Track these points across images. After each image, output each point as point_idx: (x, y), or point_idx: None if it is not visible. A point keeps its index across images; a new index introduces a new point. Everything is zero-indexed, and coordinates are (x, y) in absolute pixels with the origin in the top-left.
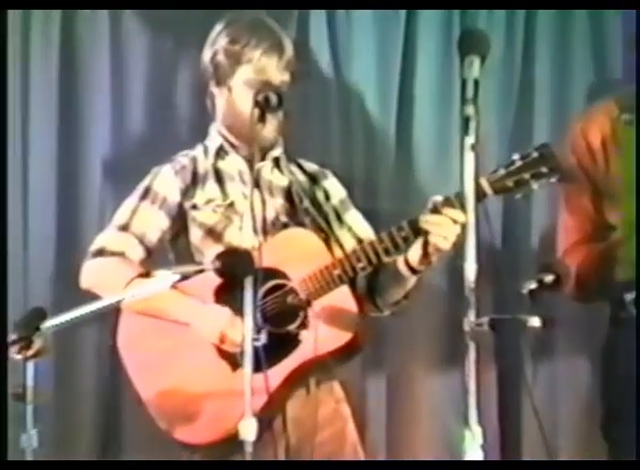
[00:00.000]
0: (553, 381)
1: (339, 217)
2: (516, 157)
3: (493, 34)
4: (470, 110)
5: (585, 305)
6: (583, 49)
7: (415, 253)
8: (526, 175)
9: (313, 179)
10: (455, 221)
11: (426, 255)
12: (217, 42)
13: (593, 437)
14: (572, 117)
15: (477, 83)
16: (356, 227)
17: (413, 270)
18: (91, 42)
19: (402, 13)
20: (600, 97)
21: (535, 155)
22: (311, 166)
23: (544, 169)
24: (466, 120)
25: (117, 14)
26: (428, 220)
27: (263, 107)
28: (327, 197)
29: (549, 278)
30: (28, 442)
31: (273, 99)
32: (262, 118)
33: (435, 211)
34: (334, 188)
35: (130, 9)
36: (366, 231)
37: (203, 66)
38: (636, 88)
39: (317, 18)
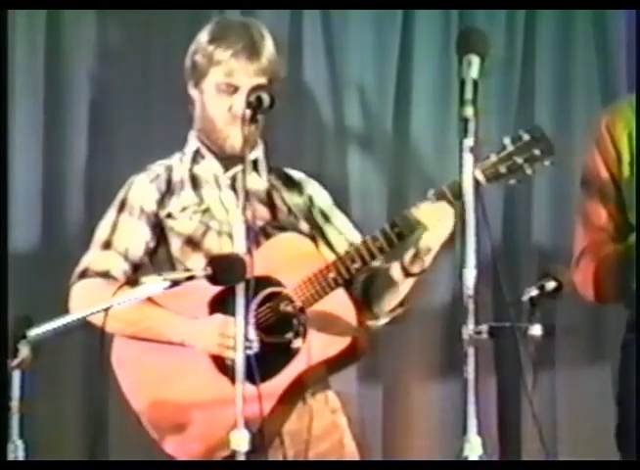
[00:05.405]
0: (553, 390)
1: (327, 222)
2: (507, 141)
3: (493, 34)
4: (468, 111)
5: (586, 313)
6: (585, 49)
7: (408, 254)
8: (519, 160)
9: (296, 186)
10: (447, 216)
11: (417, 254)
12: (199, 41)
13: (594, 446)
14: (574, 117)
15: (475, 84)
16: (347, 232)
17: (407, 273)
18: (77, 45)
19: (399, 11)
20: (603, 98)
21: (527, 137)
22: (296, 174)
23: (537, 152)
24: (464, 122)
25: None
26: (420, 210)
27: (256, 107)
28: (311, 203)
29: (550, 285)
30: (14, 452)
31: (266, 99)
32: (254, 119)
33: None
34: (318, 195)
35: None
36: (357, 237)
37: (185, 65)
38: (636, 88)
39: (312, 16)
